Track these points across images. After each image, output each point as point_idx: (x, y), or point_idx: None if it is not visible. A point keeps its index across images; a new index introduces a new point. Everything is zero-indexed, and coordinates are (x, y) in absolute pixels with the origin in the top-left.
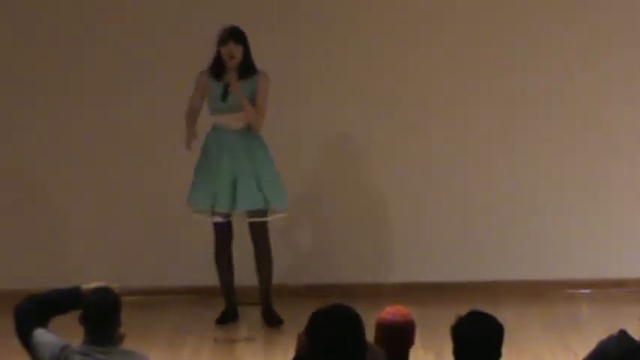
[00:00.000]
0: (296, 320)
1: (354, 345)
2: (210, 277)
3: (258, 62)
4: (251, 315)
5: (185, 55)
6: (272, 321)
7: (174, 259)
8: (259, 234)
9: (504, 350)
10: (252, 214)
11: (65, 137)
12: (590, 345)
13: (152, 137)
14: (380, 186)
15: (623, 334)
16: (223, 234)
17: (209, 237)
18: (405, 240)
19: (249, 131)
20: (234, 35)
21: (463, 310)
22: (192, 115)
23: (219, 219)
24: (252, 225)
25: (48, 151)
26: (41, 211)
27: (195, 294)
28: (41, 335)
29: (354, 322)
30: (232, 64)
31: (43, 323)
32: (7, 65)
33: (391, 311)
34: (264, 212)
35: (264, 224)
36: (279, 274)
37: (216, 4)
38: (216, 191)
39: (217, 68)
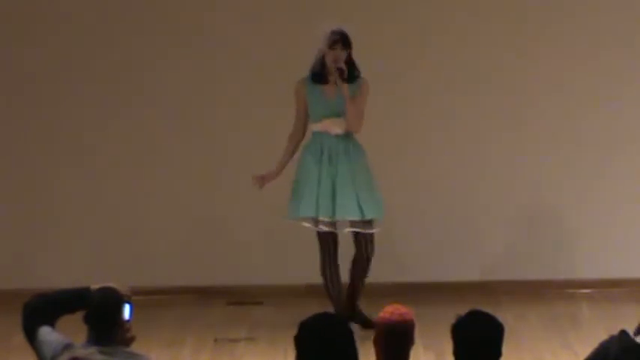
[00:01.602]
0: (296, 320)
1: (343, 354)
2: (210, 277)
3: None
4: (251, 315)
5: (193, 56)
6: (363, 322)
7: (175, 259)
8: (366, 246)
9: (504, 350)
10: (354, 223)
11: (69, 138)
12: (590, 345)
13: (153, 138)
14: (379, 186)
15: (623, 334)
16: (328, 244)
17: (209, 237)
18: (405, 240)
19: (349, 137)
20: (343, 41)
21: (463, 310)
22: (293, 138)
23: (324, 228)
24: (355, 235)
25: (52, 152)
26: (42, 211)
27: (195, 294)
28: (46, 334)
29: (342, 331)
30: (338, 65)
31: (50, 322)
32: (11, 65)
33: (390, 310)
34: (368, 223)
35: (371, 236)
36: (279, 274)
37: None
38: (319, 199)
39: (319, 72)
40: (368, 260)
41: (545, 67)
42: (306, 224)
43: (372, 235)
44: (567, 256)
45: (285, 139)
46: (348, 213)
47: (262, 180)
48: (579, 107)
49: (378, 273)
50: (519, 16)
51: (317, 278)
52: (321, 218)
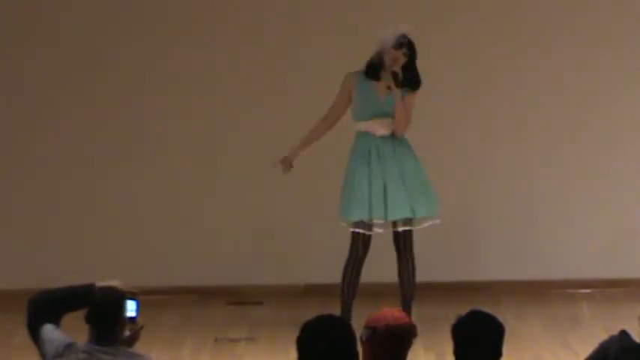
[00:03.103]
0: (296, 320)
1: (345, 356)
2: (210, 277)
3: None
4: (251, 315)
5: (196, 57)
6: None
7: (174, 259)
8: (404, 243)
9: (504, 350)
10: (397, 222)
11: (69, 137)
12: (590, 345)
13: (154, 138)
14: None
15: (623, 335)
16: (358, 247)
17: (209, 237)
18: None
19: (394, 137)
20: (409, 45)
21: (463, 310)
22: (325, 122)
23: (379, 230)
24: (396, 234)
25: (52, 151)
26: (42, 211)
27: (195, 294)
28: (49, 332)
29: (344, 333)
30: (392, 68)
31: (55, 319)
32: (11, 65)
33: (391, 313)
34: (409, 221)
35: (409, 233)
36: (279, 274)
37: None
38: (372, 201)
39: (374, 69)
40: (411, 259)
41: (545, 67)
42: (359, 230)
43: (410, 232)
44: (567, 256)
45: (285, 139)
46: (400, 213)
47: (286, 162)
48: (581, 110)
49: (378, 273)
50: (519, 16)
51: (317, 278)
52: (375, 220)
